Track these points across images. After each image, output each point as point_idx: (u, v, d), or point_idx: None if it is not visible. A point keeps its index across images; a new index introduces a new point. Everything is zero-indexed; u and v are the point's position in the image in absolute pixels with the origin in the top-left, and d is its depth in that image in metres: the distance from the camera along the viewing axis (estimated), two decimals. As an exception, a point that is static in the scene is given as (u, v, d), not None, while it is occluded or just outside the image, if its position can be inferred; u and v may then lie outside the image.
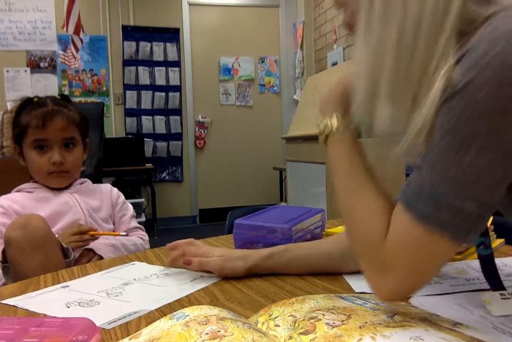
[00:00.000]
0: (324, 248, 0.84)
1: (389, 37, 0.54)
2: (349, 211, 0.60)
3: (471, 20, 0.52)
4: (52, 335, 0.49)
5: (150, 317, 0.64)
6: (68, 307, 0.70)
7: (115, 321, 0.63)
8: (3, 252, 1.03)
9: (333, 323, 0.53)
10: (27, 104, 1.26)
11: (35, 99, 1.26)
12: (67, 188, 1.27)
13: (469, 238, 0.51)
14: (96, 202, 1.29)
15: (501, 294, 0.62)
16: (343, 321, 0.53)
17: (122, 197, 1.37)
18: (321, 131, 0.67)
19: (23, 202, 1.19)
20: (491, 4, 0.52)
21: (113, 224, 1.31)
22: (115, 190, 1.38)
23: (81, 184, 1.32)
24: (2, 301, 0.73)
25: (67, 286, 0.80)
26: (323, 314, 0.55)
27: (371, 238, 0.56)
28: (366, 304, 0.59)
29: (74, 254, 1.11)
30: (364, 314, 0.54)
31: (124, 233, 1.17)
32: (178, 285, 0.79)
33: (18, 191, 1.25)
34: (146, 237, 1.34)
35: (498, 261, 0.83)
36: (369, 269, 0.56)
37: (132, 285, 0.80)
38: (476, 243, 0.68)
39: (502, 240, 0.96)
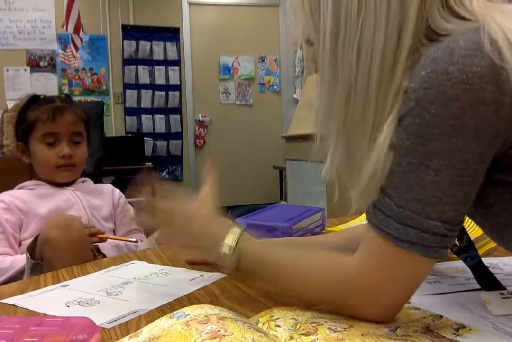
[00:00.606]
0: (321, 240, 0.86)
1: (341, 85, 0.55)
2: (298, 279, 0.61)
3: (422, 46, 0.53)
4: (52, 335, 0.49)
5: (150, 316, 0.64)
6: (68, 306, 0.70)
7: (115, 320, 0.63)
8: (31, 249, 1.02)
9: (335, 328, 0.53)
10: (34, 101, 1.27)
11: (42, 96, 1.28)
12: (69, 185, 1.27)
13: (441, 254, 0.52)
14: (97, 200, 1.29)
15: (501, 294, 0.62)
16: (345, 328, 0.53)
17: (124, 198, 1.38)
18: (228, 260, 0.65)
19: (25, 198, 1.20)
20: (442, 35, 0.52)
21: (114, 224, 1.31)
22: (117, 190, 1.38)
23: (83, 182, 1.32)
24: (2, 300, 0.72)
25: (67, 285, 0.80)
26: (325, 321, 0.55)
27: (339, 276, 0.56)
28: None
29: None
30: (366, 326, 0.54)
31: (134, 240, 1.17)
32: (178, 284, 0.79)
33: (19, 188, 1.25)
34: (145, 239, 1.34)
35: (498, 260, 0.83)
36: (355, 302, 0.55)
37: (132, 284, 0.80)
38: (462, 258, 0.69)
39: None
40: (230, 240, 0.65)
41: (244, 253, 0.64)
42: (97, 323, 0.58)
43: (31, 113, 1.24)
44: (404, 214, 0.51)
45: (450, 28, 0.51)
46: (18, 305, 0.70)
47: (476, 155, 0.49)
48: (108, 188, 1.36)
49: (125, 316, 0.65)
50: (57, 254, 0.97)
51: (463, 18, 0.52)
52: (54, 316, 0.64)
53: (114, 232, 1.31)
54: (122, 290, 0.77)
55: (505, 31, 0.48)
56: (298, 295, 0.63)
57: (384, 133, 0.53)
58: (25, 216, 1.17)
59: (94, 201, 1.28)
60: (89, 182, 1.35)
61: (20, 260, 1.07)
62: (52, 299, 0.73)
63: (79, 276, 0.86)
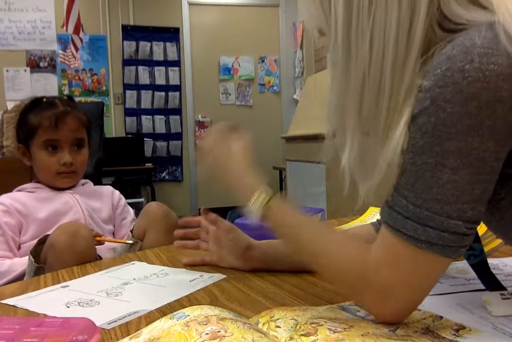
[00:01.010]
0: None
1: (354, 77, 0.55)
2: (321, 255, 0.61)
3: (435, 43, 0.52)
4: (52, 335, 0.49)
5: (150, 317, 0.64)
6: (68, 307, 0.70)
7: (115, 321, 0.63)
8: (34, 252, 1.02)
9: (335, 329, 0.53)
10: (35, 104, 1.26)
11: (44, 99, 1.26)
12: (69, 188, 1.27)
13: (459, 253, 0.52)
14: (96, 203, 1.29)
15: (501, 294, 0.62)
16: (345, 328, 0.53)
17: (123, 200, 1.37)
18: (257, 206, 0.70)
19: (24, 201, 1.19)
20: (457, 24, 0.52)
21: (114, 226, 1.31)
22: (117, 192, 1.38)
23: (83, 185, 1.32)
24: (2, 301, 0.73)
25: (67, 286, 0.80)
26: (325, 321, 0.55)
27: (357, 267, 0.56)
28: (368, 316, 0.59)
29: None
30: (366, 326, 0.54)
31: (131, 242, 1.17)
32: (178, 285, 0.79)
33: (19, 191, 1.25)
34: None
35: (498, 261, 0.83)
36: (368, 298, 0.56)
37: (132, 284, 0.80)
38: (465, 256, 0.68)
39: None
40: (262, 193, 0.71)
41: (274, 208, 0.69)
42: (97, 324, 0.58)
43: (33, 117, 1.23)
44: (423, 215, 0.50)
45: (466, 17, 0.51)
46: (18, 306, 0.70)
47: (493, 153, 0.48)
48: (107, 190, 1.36)
49: (125, 316, 0.65)
50: (61, 260, 0.96)
51: (479, 5, 0.51)
52: (54, 316, 0.64)
53: (113, 234, 1.31)
54: (122, 291, 0.76)
55: None
56: (315, 267, 0.63)
57: (400, 129, 0.52)
58: (24, 219, 1.17)
59: (93, 204, 1.27)
60: (89, 184, 1.35)
61: (19, 263, 1.07)
62: (52, 300, 0.73)
63: (79, 276, 0.86)
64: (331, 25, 0.56)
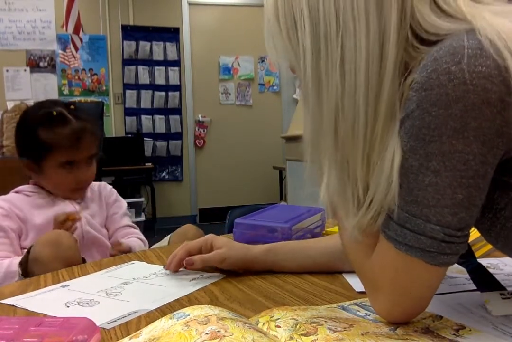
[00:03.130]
0: (323, 243, 0.85)
1: (327, 109, 0.54)
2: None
3: (415, 58, 0.52)
4: (52, 335, 0.49)
5: (150, 317, 0.64)
6: (68, 306, 0.70)
7: (115, 321, 0.63)
8: (22, 263, 1.01)
9: (335, 328, 0.53)
10: (44, 118, 1.19)
11: (54, 112, 1.19)
12: None
13: (441, 261, 0.50)
14: (93, 206, 1.27)
15: (501, 294, 0.62)
16: (345, 328, 0.53)
17: (114, 195, 1.35)
18: None
19: (21, 206, 1.18)
20: (437, 35, 0.51)
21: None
22: (108, 188, 1.36)
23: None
24: (2, 301, 0.72)
25: (67, 286, 0.80)
26: (325, 321, 0.55)
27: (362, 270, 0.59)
28: (369, 316, 0.59)
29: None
30: (366, 325, 0.54)
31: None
32: (178, 285, 0.79)
33: (16, 192, 1.23)
34: (142, 236, 1.31)
35: (498, 261, 0.83)
36: (365, 286, 0.59)
37: (132, 284, 0.80)
38: (458, 263, 0.67)
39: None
40: None
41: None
42: (97, 324, 0.59)
43: (45, 134, 1.17)
44: (403, 216, 0.51)
45: (445, 27, 0.50)
46: (17, 306, 0.70)
47: (478, 156, 0.47)
48: (100, 188, 1.34)
49: (125, 316, 0.65)
50: (47, 272, 0.94)
51: (454, 17, 0.51)
52: (54, 316, 0.64)
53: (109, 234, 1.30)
54: (121, 291, 0.76)
55: (498, 30, 0.47)
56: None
57: (390, 152, 0.51)
58: (24, 224, 1.16)
59: (91, 208, 1.26)
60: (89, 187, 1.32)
61: (16, 263, 1.06)
62: (51, 300, 0.73)
63: (79, 276, 0.86)
64: (300, 58, 0.55)
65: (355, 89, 0.52)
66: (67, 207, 1.22)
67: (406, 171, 0.50)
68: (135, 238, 1.28)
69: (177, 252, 0.85)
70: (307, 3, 0.53)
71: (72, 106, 1.24)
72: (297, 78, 0.60)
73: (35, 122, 1.19)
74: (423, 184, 0.49)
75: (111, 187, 1.38)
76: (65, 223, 1.13)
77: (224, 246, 0.84)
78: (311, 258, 0.82)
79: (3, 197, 1.21)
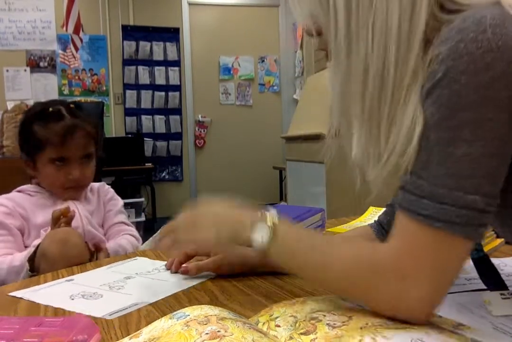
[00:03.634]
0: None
1: (356, 67, 0.54)
2: (329, 262, 0.57)
3: (436, 28, 0.52)
4: (52, 335, 0.49)
5: (150, 317, 0.64)
6: (72, 299, 0.72)
7: (116, 312, 0.65)
8: (31, 259, 1.01)
9: (334, 324, 0.52)
10: (41, 114, 1.20)
11: (50, 109, 1.19)
12: None
13: (480, 233, 0.49)
14: (91, 206, 1.27)
15: (501, 294, 0.62)
16: (344, 322, 0.53)
17: (111, 193, 1.34)
18: (261, 241, 0.61)
19: (24, 205, 1.18)
20: (460, 5, 0.51)
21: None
22: (106, 187, 1.35)
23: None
24: (10, 294, 0.75)
25: (71, 280, 0.83)
26: (324, 315, 0.55)
27: (369, 264, 0.53)
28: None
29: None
30: (365, 315, 0.54)
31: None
32: (179, 279, 0.81)
33: (19, 192, 1.23)
34: (135, 232, 1.29)
35: (499, 261, 0.83)
36: (385, 294, 0.52)
37: (134, 279, 0.82)
38: None
39: (502, 239, 0.96)
40: (268, 217, 0.62)
41: (280, 230, 0.61)
42: (99, 315, 0.63)
43: (39, 129, 1.17)
44: (439, 192, 0.48)
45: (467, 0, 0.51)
46: (24, 298, 0.73)
47: (506, 125, 0.47)
48: (98, 188, 1.33)
49: (126, 308, 0.67)
50: (54, 268, 0.95)
51: None
52: (61, 308, 0.68)
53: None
54: (124, 285, 0.79)
55: None
56: (328, 283, 0.58)
57: (409, 114, 0.51)
58: (26, 223, 1.16)
59: (89, 208, 1.25)
60: (88, 187, 1.31)
61: (18, 258, 1.06)
62: (57, 293, 0.76)
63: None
64: (331, 15, 0.55)
65: (385, 49, 0.52)
66: (63, 204, 1.21)
67: (434, 144, 0.49)
68: (127, 235, 1.26)
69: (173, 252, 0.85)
70: None
71: (72, 105, 1.24)
72: (320, 40, 0.60)
73: (32, 118, 1.20)
74: (457, 155, 0.47)
75: (108, 186, 1.37)
76: (60, 219, 1.11)
77: (222, 251, 0.82)
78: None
79: (6, 195, 1.21)
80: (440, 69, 0.48)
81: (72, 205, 1.22)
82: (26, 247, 1.14)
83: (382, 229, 0.80)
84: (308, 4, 0.57)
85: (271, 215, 0.63)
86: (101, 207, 1.30)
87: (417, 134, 0.50)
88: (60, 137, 1.15)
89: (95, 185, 1.34)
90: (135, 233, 1.30)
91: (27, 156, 1.21)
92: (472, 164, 0.47)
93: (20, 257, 1.04)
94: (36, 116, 1.20)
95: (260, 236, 0.61)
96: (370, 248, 0.56)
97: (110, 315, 0.65)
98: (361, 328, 0.51)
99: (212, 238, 0.68)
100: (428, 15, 0.52)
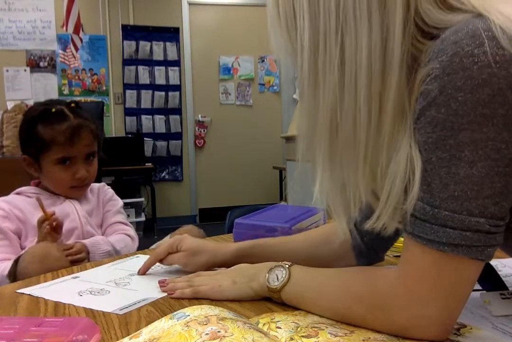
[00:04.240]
0: (303, 236, 0.83)
1: (323, 107, 0.52)
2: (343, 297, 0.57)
3: (422, 50, 0.50)
4: (52, 335, 0.49)
5: (150, 317, 0.64)
6: (81, 295, 0.74)
7: (127, 307, 0.67)
8: (11, 274, 1.00)
9: (336, 333, 0.53)
10: (44, 115, 1.19)
11: (53, 109, 1.19)
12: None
13: (488, 254, 0.48)
14: (90, 206, 1.27)
15: (501, 294, 0.62)
16: (346, 334, 0.53)
17: (110, 193, 1.34)
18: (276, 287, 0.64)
19: (22, 206, 1.17)
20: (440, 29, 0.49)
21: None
22: (106, 188, 1.35)
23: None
24: (18, 291, 0.76)
25: (77, 277, 0.85)
26: (326, 326, 0.55)
27: (377, 299, 0.53)
28: None
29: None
30: (367, 331, 0.54)
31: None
32: (182, 275, 0.81)
33: (17, 194, 1.23)
34: (131, 231, 1.29)
35: (498, 262, 0.83)
36: (399, 319, 0.52)
37: (138, 275, 0.85)
38: None
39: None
40: (279, 264, 0.65)
41: (294, 271, 0.63)
42: (110, 310, 0.66)
43: (43, 130, 1.17)
44: (442, 215, 0.47)
45: (447, 18, 0.49)
46: (33, 295, 0.74)
47: (510, 144, 0.45)
48: (98, 189, 1.33)
49: (135, 303, 0.69)
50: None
51: (461, 10, 0.49)
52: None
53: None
54: (129, 281, 0.81)
55: (510, 18, 0.45)
56: (341, 316, 0.58)
57: (404, 148, 0.49)
58: (23, 225, 1.16)
59: (87, 208, 1.25)
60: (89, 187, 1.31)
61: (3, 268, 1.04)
62: (64, 289, 0.78)
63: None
64: (298, 53, 0.54)
65: (355, 89, 0.50)
66: (67, 207, 1.21)
67: (435, 165, 0.47)
68: (120, 235, 1.25)
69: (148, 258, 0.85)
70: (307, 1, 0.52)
71: (72, 104, 1.24)
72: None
73: (35, 118, 1.20)
74: (459, 176, 0.46)
75: (108, 187, 1.37)
76: (44, 223, 1.09)
77: (188, 249, 0.82)
78: (291, 252, 0.79)
79: (3, 198, 1.20)
80: (435, 86, 0.46)
81: (71, 205, 1.22)
82: (22, 248, 1.13)
83: (362, 239, 0.75)
84: (282, 42, 0.57)
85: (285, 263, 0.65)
86: (100, 207, 1.30)
87: (419, 169, 0.48)
88: (67, 138, 1.16)
89: (95, 185, 1.34)
90: (131, 232, 1.29)
91: (30, 157, 1.21)
92: (475, 186, 0.46)
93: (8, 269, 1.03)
94: (39, 117, 1.19)
95: (275, 275, 0.64)
96: (379, 274, 0.56)
97: (120, 309, 0.66)
98: (363, 340, 0.51)
99: (228, 284, 0.70)
100: (407, 47, 0.50)
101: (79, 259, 1.08)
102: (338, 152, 0.53)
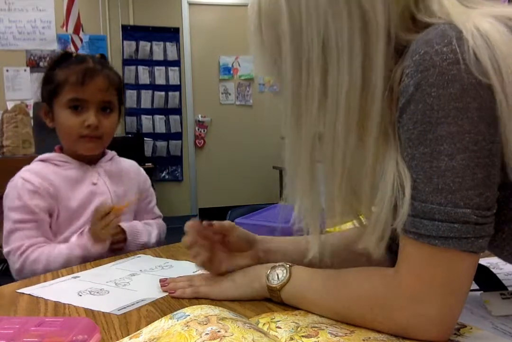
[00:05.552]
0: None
1: (305, 135, 0.55)
2: (347, 305, 0.57)
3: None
4: (52, 335, 0.49)
5: (150, 317, 0.64)
6: (80, 295, 0.74)
7: (124, 308, 0.67)
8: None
9: (336, 333, 0.53)
10: (64, 59, 1.14)
11: (74, 54, 1.15)
12: (96, 164, 1.18)
13: (479, 246, 0.48)
14: (123, 187, 1.20)
15: (501, 294, 0.62)
16: (346, 334, 0.53)
17: (149, 181, 1.29)
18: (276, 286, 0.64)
19: (52, 179, 1.09)
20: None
21: (134, 211, 1.23)
22: (143, 172, 1.30)
23: (110, 160, 1.23)
24: (18, 291, 0.76)
25: (78, 277, 0.85)
26: (327, 326, 0.55)
27: (376, 298, 0.54)
28: None
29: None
30: (367, 331, 0.54)
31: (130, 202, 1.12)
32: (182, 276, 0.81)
33: (42, 161, 1.14)
34: (164, 227, 1.28)
35: (498, 260, 0.83)
36: (400, 316, 0.52)
37: (139, 275, 0.84)
38: None
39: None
40: (280, 264, 0.66)
41: (294, 271, 0.64)
42: (108, 310, 0.65)
43: (59, 72, 1.11)
44: (428, 208, 0.48)
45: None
46: (33, 295, 0.74)
47: (487, 135, 0.47)
48: (134, 170, 1.28)
49: (134, 304, 0.69)
50: None
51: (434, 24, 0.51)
52: (70, 304, 0.70)
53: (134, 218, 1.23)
54: (129, 281, 0.81)
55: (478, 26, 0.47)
56: (341, 316, 0.58)
57: (390, 168, 0.51)
58: (56, 203, 1.08)
59: (120, 188, 1.18)
60: (116, 160, 1.25)
61: (59, 253, 1.01)
62: (64, 289, 0.78)
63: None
64: (282, 82, 0.56)
65: (335, 122, 0.52)
66: (92, 181, 1.14)
67: (419, 161, 0.49)
68: (157, 230, 1.23)
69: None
70: (290, 29, 0.54)
71: (98, 55, 1.20)
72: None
73: (55, 62, 1.15)
74: (440, 169, 0.47)
75: (143, 171, 1.31)
76: (106, 216, 1.03)
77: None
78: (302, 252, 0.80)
79: (29, 167, 1.12)
80: (411, 83, 0.48)
81: (104, 185, 1.16)
82: (52, 230, 1.07)
83: None
84: (264, 65, 0.59)
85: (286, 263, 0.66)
86: (135, 189, 1.23)
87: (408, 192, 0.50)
88: (79, 77, 1.08)
89: (126, 161, 1.28)
90: (164, 227, 1.28)
91: (46, 104, 1.15)
92: (456, 178, 0.47)
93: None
94: (60, 60, 1.15)
95: (275, 274, 0.65)
96: (380, 273, 0.56)
97: (119, 310, 0.66)
98: (363, 340, 0.51)
99: (228, 284, 0.72)
100: (387, 75, 0.52)
101: (116, 248, 1.08)
102: (315, 180, 0.56)
